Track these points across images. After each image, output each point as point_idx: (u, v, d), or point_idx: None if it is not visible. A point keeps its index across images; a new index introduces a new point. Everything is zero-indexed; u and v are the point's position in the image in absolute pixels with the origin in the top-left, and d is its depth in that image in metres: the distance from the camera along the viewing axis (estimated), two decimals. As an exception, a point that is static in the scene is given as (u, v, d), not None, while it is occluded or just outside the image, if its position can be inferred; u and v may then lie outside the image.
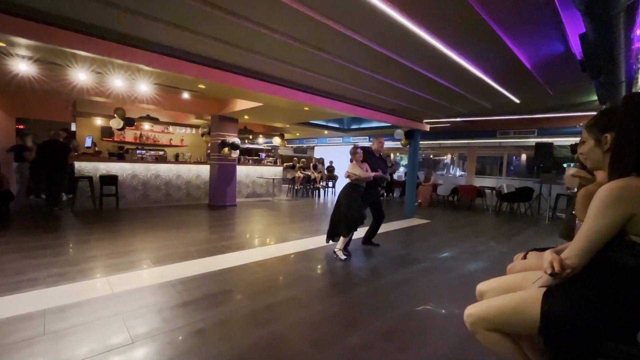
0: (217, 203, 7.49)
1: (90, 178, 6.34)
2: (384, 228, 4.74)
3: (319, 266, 3.59)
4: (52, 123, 8.11)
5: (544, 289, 1.15)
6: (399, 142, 8.21)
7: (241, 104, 6.71)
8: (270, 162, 10.74)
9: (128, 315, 2.24)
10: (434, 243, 4.89)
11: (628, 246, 1.00)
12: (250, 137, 11.84)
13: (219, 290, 2.76)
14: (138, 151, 8.90)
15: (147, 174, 7.30)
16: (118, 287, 2.69)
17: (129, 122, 7.45)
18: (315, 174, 11.31)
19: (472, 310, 1.27)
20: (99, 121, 8.70)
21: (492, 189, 9.22)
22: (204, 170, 8.19)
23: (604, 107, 4.59)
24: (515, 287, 1.32)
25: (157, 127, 9.83)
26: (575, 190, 2.54)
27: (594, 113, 1.22)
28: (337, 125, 11.94)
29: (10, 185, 5.82)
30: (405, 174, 9.75)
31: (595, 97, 4.86)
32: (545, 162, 7.75)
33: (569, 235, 2.08)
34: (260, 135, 11.81)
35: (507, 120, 8.09)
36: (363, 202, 4.00)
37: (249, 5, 2.59)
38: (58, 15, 2.78)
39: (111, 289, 2.65)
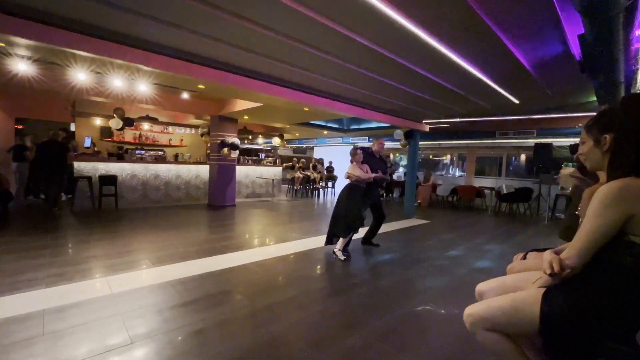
0: (217, 203, 7.49)
1: (89, 178, 6.33)
2: (383, 228, 4.74)
3: (319, 266, 3.59)
4: (52, 123, 8.09)
5: (543, 289, 1.15)
6: (398, 143, 8.22)
7: (241, 104, 6.71)
8: (270, 162, 10.74)
9: (127, 315, 2.23)
10: (434, 243, 4.89)
11: (627, 246, 1.00)
12: (250, 137, 11.85)
13: (218, 290, 2.76)
14: (137, 151, 8.89)
15: (147, 174, 7.29)
16: (117, 287, 2.68)
17: (129, 122, 7.45)
18: (315, 174, 11.31)
19: (471, 311, 1.27)
20: (98, 121, 8.69)
21: (492, 189, 9.23)
22: (204, 171, 8.18)
23: (603, 107, 4.60)
24: (515, 287, 1.32)
25: (157, 127, 9.83)
26: (569, 189, 2.54)
27: (593, 114, 1.22)
28: (336, 126, 11.94)
29: (10, 185, 5.81)
30: (405, 174, 9.75)
31: (594, 98, 4.87)
32: (545, 162, 7.76)
33: (568, 235, 2.08)
34: (260, 136, 11.81)
35: (507, 120, 8.09)
36: (363, 202, 4.00)
37: (249, 5, 2.59)
38: (57, 15, 2.78)
39: (110, 289, 2.64)
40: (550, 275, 1.08)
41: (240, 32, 3.05)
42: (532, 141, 8.91)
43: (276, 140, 11.23)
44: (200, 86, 4.79)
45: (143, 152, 8.91)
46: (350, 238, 3.98)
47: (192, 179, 8.06)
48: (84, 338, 1.94)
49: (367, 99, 5.77)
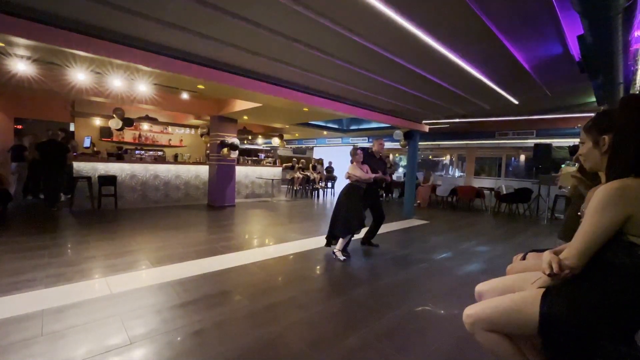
0: (216, 203, 7.48)
1: (88, 178, 6.32)
2: (383, 229, 4.74)
3: (318, 267, 3.59)
4: (51, 123, 8.08)
5: (542, 290, 1.16)
6: (398, 143, 8.22)
7: (240, 105, 6.71)
8: (270, 162, 10.73)
9: (126, 316, 2.23)
10: (433, 244, 4.89)
11: (626, 247, 1.01)
12: (250, 137, 11.85)
13: (217, 291, 2.75)
14: (137, 151, 8.88)
15: (146, 174, 7.28)
16: (116, 287, 2.68)
17: (128, 123, 7.44)
18: (315, 175, 11.32)
19: (471, 311, 1.27)
20: (97, 121, 8.68)
21: (491, 189, 9.25)
22: (203, 171, 8.18)
23: (602, 108, 4.61)
24: (514, 287, 1.32)
25: (156, 128, 9.82)
26: (567, 189, 2.54)
27: (593, 114, 1.23)
28: (336, 126, 11.94)
29: (10, 184, 5.81)
30: (405, 174, 9.76)
31: (593, 99, 4.88)
32: (544, 163, 7.77)
33: (567, 236, 2.08)
34: (260, 136, 11.81)
35: (506, 121, 8.11)
36: (363, 203, 4.00)
37: (248, 6, 2.59)
38: (56, 15, 2.77)
39: (109, 289, 2.64)
40: (549, 275, 1.08)
41: (240, 32, 3.05)
42: (531, 142, 8.92)
43: (276, 141, 11.23)
44: (200, 86, 4.79)
45: (142, 152, 8.90)
46: (350, 238, 3.98)
47: (192, 179, 8.05)
48: (83, 338, 1.93)
49: (367, 100, 5.78)
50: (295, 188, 10.89)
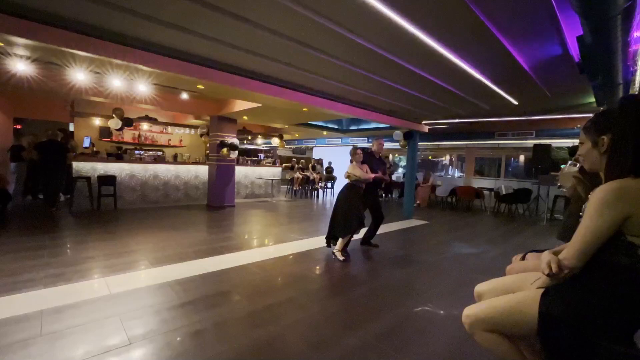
0: (216, 204, 7.48)
1: (88, 178, 6.31)
2: (382, 229, 4.74)
3: (318, 267, 3.59)
4: (50, 123, 8.08)
5: (541, 290, 1.16)
6: (397, 143, 8.23)
7: (240, 105, 6.71)
8: (269, 162, 10.73)
9: (125, 316, 2.23)
10: (433, 244, 4.89)
11: (625, 247, 1.01)
12: (249, 137, 11.83)
13: (217, 291, 2.75)
14: (136, 151, 8.86)
15: (146, 174, 7.28)
16: (115, 288, 2.68)
17: (128, 123, 7.43)
18: (314, 175, 11.31)
19: (470, 311, 1.27)
20: (97, 121, 8.65)
21: (491, 190, 9.25)
22: (203, 171, 8.17)
23: (602, 108, 4.61)
24: (514, 288, 1.32)
25: (156, 128, 9.79)
26: (566, 188, 2.55)
27: (592, 115, 1.23)
28: (336, 126, 11.94)
29: (9, 184, 5.80)
30: (404, 175, 9.76)
31: (593, 99, 4.88)
32: (543, 163, 7.77)
33: (566, 236, 2.08)
34: (259, 136, 11.79)
35: (506, 121, 8.11)
36: (362, 203, 4.00)
37: (248, 6, 2.59)
38: (56, 15, 2.77)
39: (108, 289, 2.64)
40: (548, 275, 1.08)
41: (240, 32, 3.05)
42: (531, 142, 8.92)
43: (275, 141, 11.22)
44: (200, 86, 4.78)
45: (142, 152, 8.87)
46: (350, 239, 3.98)
47: (191, 179, 8.05)
48: (82, 339, 1.93)
49: (367, 100, 5.78)
50: (294, 188, 10.89)
